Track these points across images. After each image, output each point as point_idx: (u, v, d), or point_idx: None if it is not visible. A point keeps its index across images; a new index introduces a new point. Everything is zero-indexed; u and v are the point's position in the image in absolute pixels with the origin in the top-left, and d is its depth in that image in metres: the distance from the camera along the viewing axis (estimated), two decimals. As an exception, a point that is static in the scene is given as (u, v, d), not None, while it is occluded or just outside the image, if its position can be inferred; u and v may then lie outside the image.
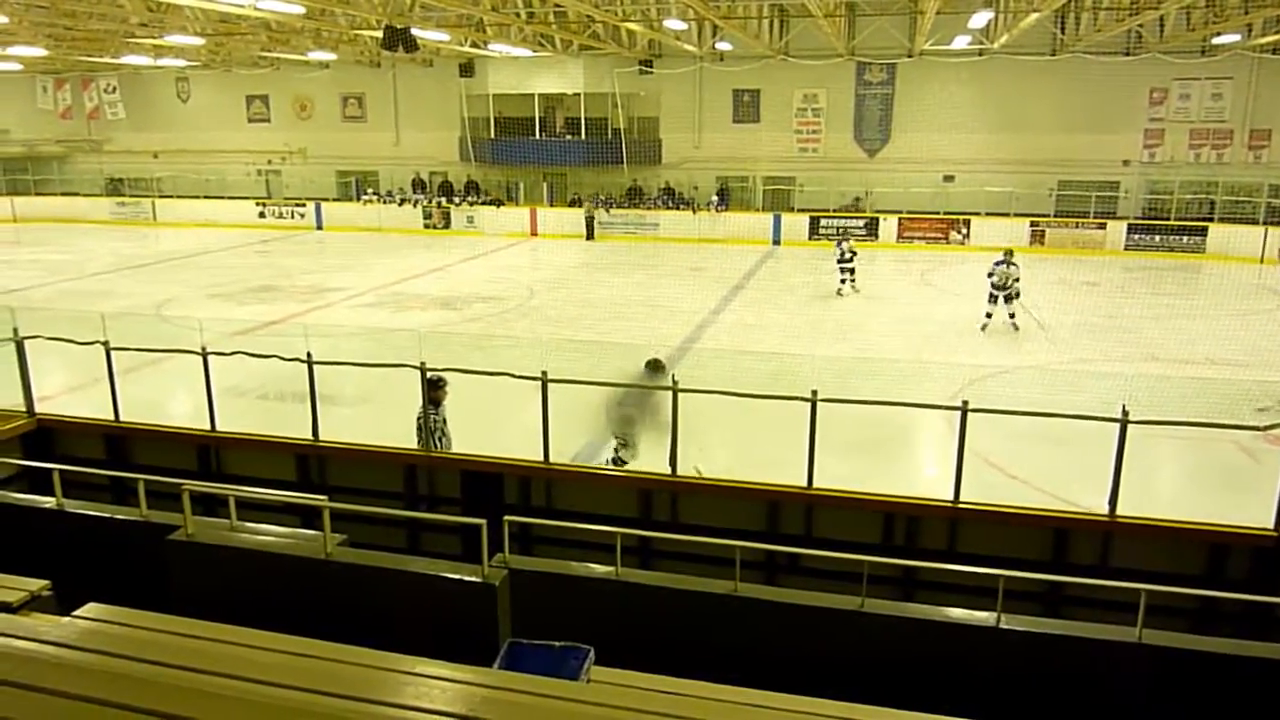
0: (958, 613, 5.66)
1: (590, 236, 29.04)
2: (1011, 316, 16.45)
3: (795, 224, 27.96)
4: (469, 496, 8.29)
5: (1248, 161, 26.52)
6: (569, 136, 30.03)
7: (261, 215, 32.61)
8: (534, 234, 29.99)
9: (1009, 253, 16.90)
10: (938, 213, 27.45)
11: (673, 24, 22.18)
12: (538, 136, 29.87)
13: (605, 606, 5.87)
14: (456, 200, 31.29)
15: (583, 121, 29.44)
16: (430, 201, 31.34)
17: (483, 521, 5.29)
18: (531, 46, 25.55)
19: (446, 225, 30.80)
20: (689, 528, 7.53)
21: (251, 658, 3.59)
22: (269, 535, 5.95)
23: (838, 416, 8.02)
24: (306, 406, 8.18)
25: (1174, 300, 20.36)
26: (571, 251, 26.89)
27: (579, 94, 29.08)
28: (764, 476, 8.00)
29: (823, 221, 27.64)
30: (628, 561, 6.04)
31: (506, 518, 5.87)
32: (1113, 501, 7.04)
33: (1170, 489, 9.14)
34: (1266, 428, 7.20)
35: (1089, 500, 7.35)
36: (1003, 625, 5.44)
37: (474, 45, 25.34)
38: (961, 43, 24.68)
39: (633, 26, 23.02)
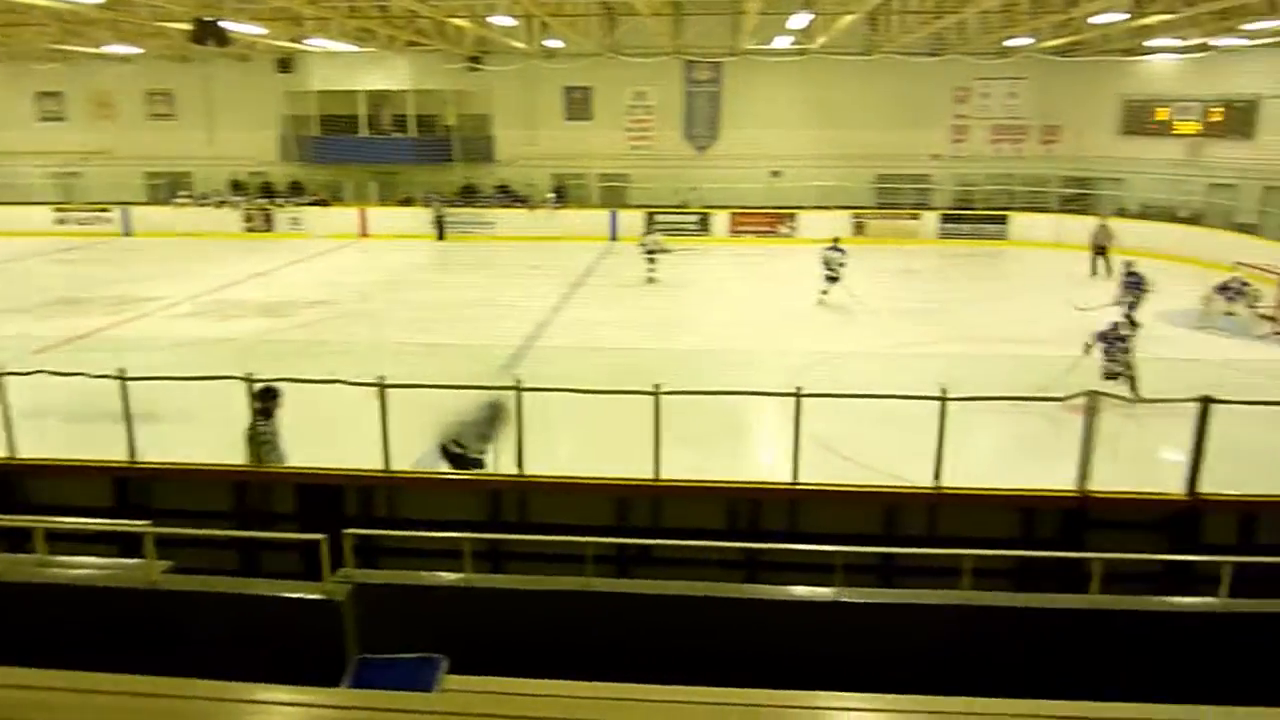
0: (800, 590, 5.89)
1: (441, 237, 28.30)
2: (824, 293, 18.13)
3: (631, 220, 28.27)
4: (307, 511, 7.96)
5: (1041, 155, 28.88)
6: (398, 134, 29.25)
7: (61, 222, 30.09)
8: (364, 235, 29.05)
9: (836, 239, 18.59)
10: (766, 207, 28.39)
11: (500, 20, 21.96)
12: (365, 134, 28.96)
13: (457, 614, 5.77)
14: (280, 201, 29.91)
15: (412, 119, 28.76)
16: (250, 203, 29.81)
17: (322, 536, 5.10)
18: (354, 42, 24.71)
19: (269, 228, 29.39)
20: (538, 527, 7.50)
21: (76, 703, 3.33)
22: (86, 568, 5.52)
23: (682, 408, 8.17)
24: (123, 427, 7.63)
25: (984, 284, 21.89)
26: (406, 253, 26.21)
27: (407, 91, 28.37)
28: (612, 472, 8.05)
29: (657, 217, 28.11)
30: (478, 566, 5.96)
31: (347, 530, 5.69)
32: (936, 474, 7.50)
33: (988, 459, 9.80)
34: (1067, 398, 7.84)
35: (916, 475, 7.80)
36: (843, 599, 5.70)
37: (292, 40, 24.26)
38: (783, 42, 25.61)
39: (459, 22, 22.64)
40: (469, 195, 29.69)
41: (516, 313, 17.33)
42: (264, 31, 22.03)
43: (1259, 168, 24.35)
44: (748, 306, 18.72)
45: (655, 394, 7.53)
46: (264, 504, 8.13)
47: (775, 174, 28.83)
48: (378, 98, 29.08)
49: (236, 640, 5.04)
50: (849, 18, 20.53)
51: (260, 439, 7.89)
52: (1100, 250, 21.88)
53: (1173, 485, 7.56)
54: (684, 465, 7.93)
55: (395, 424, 7.70)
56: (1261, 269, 16.98)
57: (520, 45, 25.75)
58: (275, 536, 7.41)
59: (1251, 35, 20.78)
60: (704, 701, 4.27)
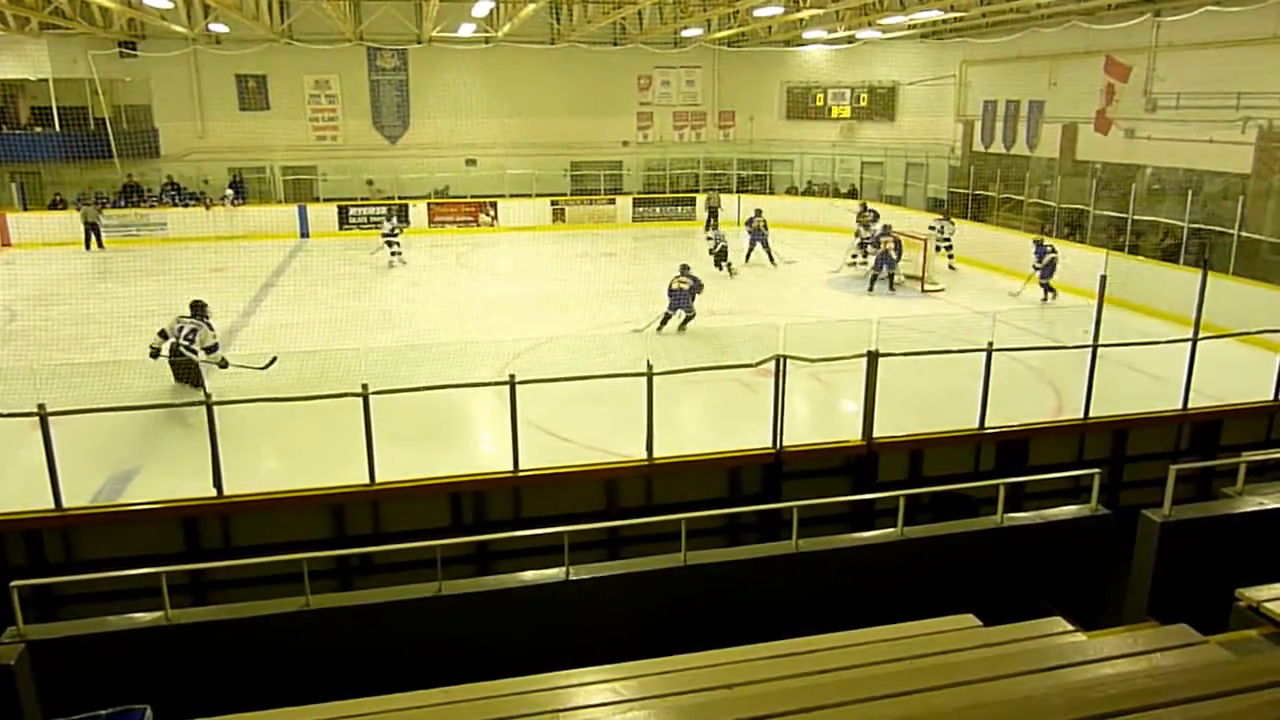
0: (530, 575, 5.94)
1: (98, 245, 24.76)
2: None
3: (323, 215, 26.84)
4: (-42, 567, 6.87)
5: (720, 139, 30.97)
6: (39, 129, 25.76)
7: None
8: (5, 245, 25.36)
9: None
10: (465, 196, 28.13)
11: (154, 1, 19.91)
12: (-3, 130, 25.28)
13: (159, 656, 5.26)
14: (-111, 210, 25.32)
15: (54, 111, 25.40)
16: None
17: (-20, 593, 4.44)
18: (-29, 23, 21.39)
19: (-122, 242, 24.82)
20: (245, 550, 6.99)
21: None
22: None
23: (396, 406, 7.92)
24: None
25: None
26: (61, 262, 23.13)
27: (46, 80, 25.04)
28: (326, 480, 7.66)
29: (352, 211, 26.94)
30: (179, 601, 5.46)
31: (14, 583, 5.01)
32: (649, 447, 7.85)
33: (694, 427, 10.38)
34: (758, 363, 8.48)
35: (631, 449, 8.10)
36: (572, 577, 5.82)
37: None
38: (468, 30, 25.39)
39: (106, 3, 20.24)
40: (132, 194, 26.76)
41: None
42: None
43: (901, 146, 27.73)
44: (456, 297, 18.43)
45: (364, 395, 7.25)
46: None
47: (471, 163, 28.62)
48: (11, 88, 25.44)
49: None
50: (531, 6, 20.73)
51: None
52: (713, 213, 25.88)
53: (853, 433, 8.45)
54: (399, 466, 7.71)
55: (64, 455, 6.83)
56: (909, 236, 19.26)
57: (181, 29, 23.54)
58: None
59: (886, 29, 23.48)
60: (433, 704, 4.20)
